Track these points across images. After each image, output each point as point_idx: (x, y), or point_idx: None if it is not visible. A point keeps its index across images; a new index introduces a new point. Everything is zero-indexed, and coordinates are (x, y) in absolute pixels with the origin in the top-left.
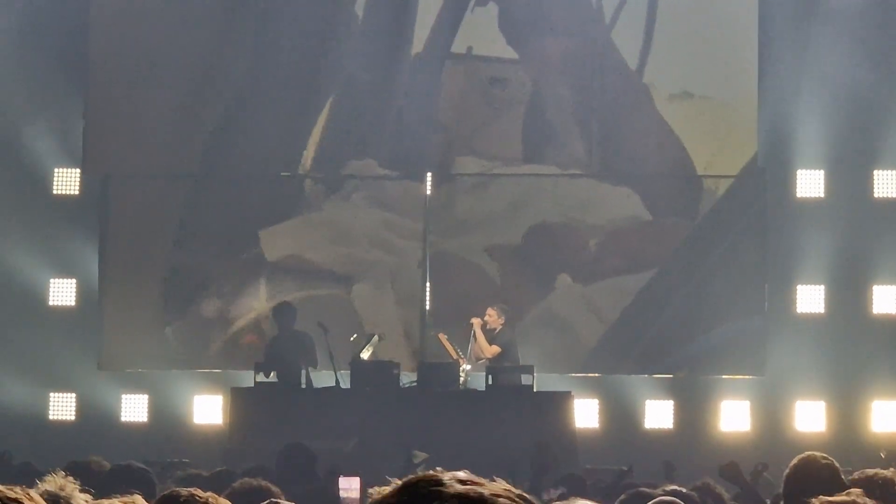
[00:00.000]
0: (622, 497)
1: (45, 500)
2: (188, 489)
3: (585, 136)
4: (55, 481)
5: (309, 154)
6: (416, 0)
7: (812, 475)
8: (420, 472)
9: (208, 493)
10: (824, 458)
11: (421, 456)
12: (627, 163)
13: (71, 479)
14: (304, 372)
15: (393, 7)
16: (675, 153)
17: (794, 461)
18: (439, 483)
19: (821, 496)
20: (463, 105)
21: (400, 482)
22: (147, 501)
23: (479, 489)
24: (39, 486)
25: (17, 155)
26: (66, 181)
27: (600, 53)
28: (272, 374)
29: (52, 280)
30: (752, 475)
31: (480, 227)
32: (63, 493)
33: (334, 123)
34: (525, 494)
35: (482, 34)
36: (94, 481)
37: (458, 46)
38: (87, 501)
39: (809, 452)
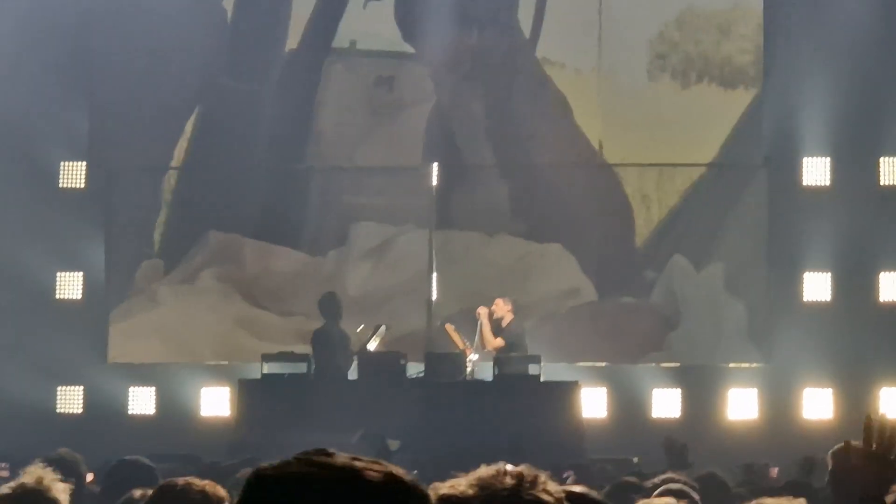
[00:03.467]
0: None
1: (21, 493)
2: (184, 478)
3: (498, 151)
4: (33, 473)
5: (169, 185)
6: None
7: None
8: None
9: (205, 482)
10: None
11: (395, 444)
12: (553, 203)
13: (50, 469)
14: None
15: None
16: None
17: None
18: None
19: None
20: (343, 110)
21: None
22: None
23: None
24: (19, 478)
25: (23, 149)
26: (73, 175)
27: (519, 52)
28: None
29: (58, 273)
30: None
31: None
32: (41, 486)
33: (199, 140)
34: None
35: (370, 24)
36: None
37: (340, 40)
38: (66, 492)
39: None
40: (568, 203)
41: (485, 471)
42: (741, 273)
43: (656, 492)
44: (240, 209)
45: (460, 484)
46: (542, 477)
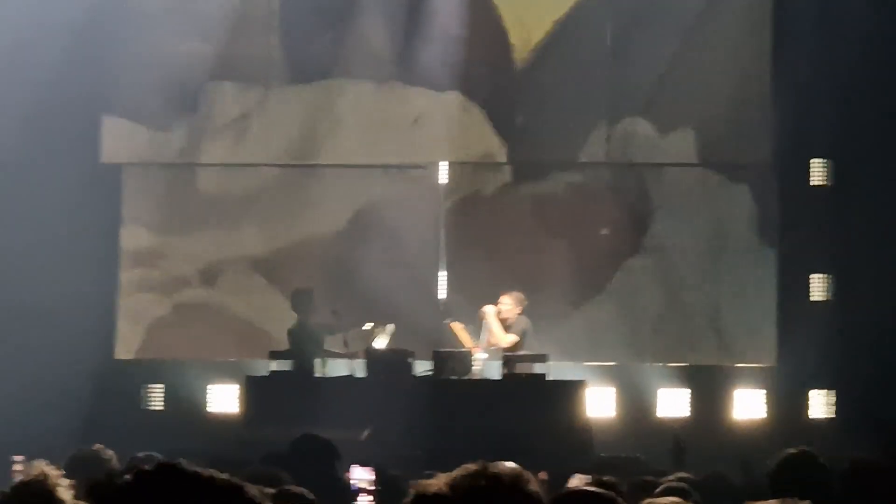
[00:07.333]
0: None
1: (28, 490)
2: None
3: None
4: (38, 469)
5: None
6: None
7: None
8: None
9: (211, 470)
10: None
11: (364, 433)
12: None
13: (54, 468)
14: (320, 361)
15: None
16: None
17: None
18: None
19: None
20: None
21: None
22: None
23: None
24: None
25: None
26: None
27: None
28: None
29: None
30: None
31: None
32: (47, 483)
33: None
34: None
35: None
36: (104, 472)
37: None
38: (71, 491)
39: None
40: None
41: (463, 469)
42: (748, 272)
43: (657, 489)
44: None
45: (439, 483)
46: (525, 475)
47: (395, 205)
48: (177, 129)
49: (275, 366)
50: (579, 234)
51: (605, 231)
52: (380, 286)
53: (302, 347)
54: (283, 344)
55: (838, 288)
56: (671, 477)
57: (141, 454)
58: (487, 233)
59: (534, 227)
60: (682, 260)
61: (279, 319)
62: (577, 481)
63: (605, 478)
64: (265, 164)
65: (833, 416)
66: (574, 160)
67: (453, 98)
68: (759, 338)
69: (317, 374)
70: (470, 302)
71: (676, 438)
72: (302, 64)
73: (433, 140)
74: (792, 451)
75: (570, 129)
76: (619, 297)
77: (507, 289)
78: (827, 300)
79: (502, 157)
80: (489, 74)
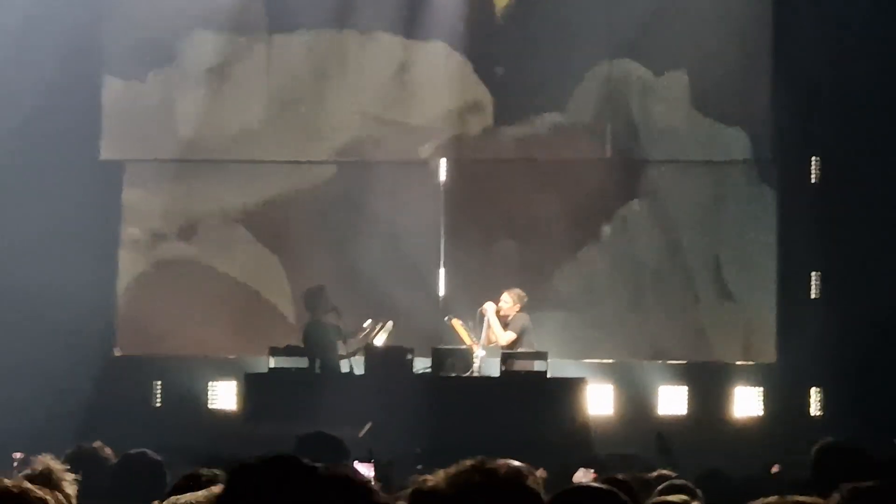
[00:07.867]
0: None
1: (36, 483)
2: (211, 470)
3: None
4: (43, 462)
5: None
6: None
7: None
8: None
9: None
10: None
11: (365, 427)
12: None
13: (58, 461)
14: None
15: None
16: None
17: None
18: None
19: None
20: None
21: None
22: (156, 491)
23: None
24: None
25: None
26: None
27: None
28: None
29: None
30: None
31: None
32: (52, 477)
33: None
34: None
35: None
36: (101, 469)
37: None
38: (74, 485)
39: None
40: None
41: (461, 466)
42: (748, 270)
43: (660, 487)
44: None
45: (435, 479)
46: (524, 471)
47: (382, 151)
48: (154, 79)
49: (274, 363)
50: (570, 183)
51: (604, 229)
52: (379, 278)
53: (316, 345)
54: (268, 298)
55: (832, 286)
56: (653, 474)
57: (132, 451)
58: (480, 188)
59: (524, 180)
60: (676, 206)
61: (265, 276)
62: (581, 475)
63: (619, 476)
64: (269, 161)
65: (821, 413)
66: (563, 107)
67: (438, 48)
68: (759, 334)
69: (320, 372)
70: (469, 295)
71: (659, 436)
72: (284, 13)
73: (418, 89)
74: (830, 439)
75: (557, 75)
76: (615, 246)
77: (504, 280)
78: (821, 297)
79: (489, 107)
80: (473, 23)
